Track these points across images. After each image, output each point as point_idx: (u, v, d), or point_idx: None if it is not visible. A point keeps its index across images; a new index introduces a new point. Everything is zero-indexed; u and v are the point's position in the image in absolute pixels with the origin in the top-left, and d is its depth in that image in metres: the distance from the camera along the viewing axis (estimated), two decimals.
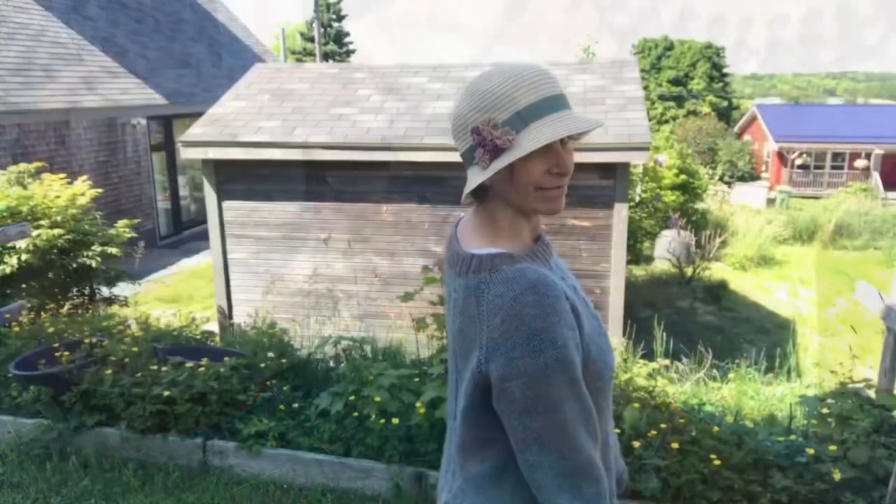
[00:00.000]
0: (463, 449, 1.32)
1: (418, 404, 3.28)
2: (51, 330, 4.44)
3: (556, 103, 1.20)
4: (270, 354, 4.04)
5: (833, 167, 29.17)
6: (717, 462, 2.99)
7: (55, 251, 5.76)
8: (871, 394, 3.38)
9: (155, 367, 3.83)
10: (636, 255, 11.38)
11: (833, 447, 3.00)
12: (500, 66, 1.24)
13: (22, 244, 5.43)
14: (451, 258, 1.32)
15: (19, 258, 5.45)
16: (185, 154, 5.64)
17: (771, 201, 23.03)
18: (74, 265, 5.84)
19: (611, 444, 1.38)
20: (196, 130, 5.67)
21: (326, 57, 32.53)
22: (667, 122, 38.88)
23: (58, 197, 6.01)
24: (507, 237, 1.27)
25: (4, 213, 5.61)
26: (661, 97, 40.54)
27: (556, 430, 1.16)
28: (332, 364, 4.37)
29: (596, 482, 1.19)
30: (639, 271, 11.01)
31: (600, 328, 1.30)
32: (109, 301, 6.42)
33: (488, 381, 1.19)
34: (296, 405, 3.75)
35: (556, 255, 1.37)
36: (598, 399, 1.26)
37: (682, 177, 12.94)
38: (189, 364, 3.78)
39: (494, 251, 1.24)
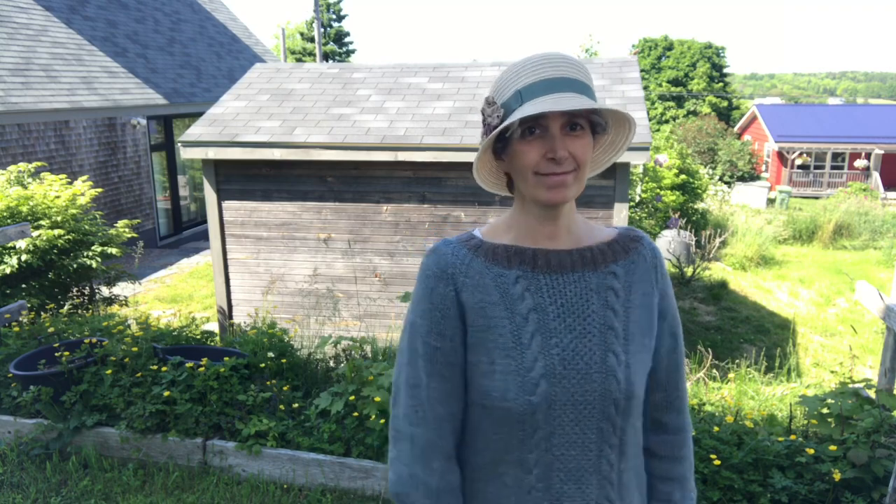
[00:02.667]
0: None
1: None
2: (51, 330, 4.44)
3: (559, 85, 1.10)
4: (270, 354, 4.04)
5: (833, 167, 29.18)
6: (717, 462, 2.99)
7: (55, 251, 5.76)
8: (871, 394, 3.38)
9: (155, 367, 3.83)
10: None
11: (833, 447, 3.00)
12: (526, 55, 1.19)
13: (22, 244, 5.43)
14: None
15: (19, 258, 5.45)
16: (185, 154, 5.64)
17: (771, 201, 23.04)
18: (74, 265, 5.84)
19: (542, 485, 1.17)
20: (196, 130, 5.67)
21: (326, 57, 32.54)
22: (667, 122, 38.90)
23: (58, 197, 6.01)
24: (503, 227, 1.24)
25: (5, 213, 5.61)
26: (661, 97, 40.55)
27: (398, 384, 1.22)
28: (332, 364, 4.37)
29: (394, 445, 1.20)
30: None
31: (519, 355, 1.14)
32: (109, 301, 6.43)
33: None
34: (296, 405, 3.75)
35: (590, 279, 1.20)
36: (487, 423, 1.16)
37: (682, 177, 12.95)
38: (189, 364, 3.78)
39: (471, 231, 1.28)
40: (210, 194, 5.82)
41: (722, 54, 41.91)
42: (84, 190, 6.33)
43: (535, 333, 1.14)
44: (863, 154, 28.58)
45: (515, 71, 1.14)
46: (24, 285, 5.68)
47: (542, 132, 1.12)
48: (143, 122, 11.53)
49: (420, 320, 1.19)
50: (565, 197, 1.15)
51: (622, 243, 1.24)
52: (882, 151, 28.04)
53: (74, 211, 6.02)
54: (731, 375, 5.44)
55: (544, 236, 1.21)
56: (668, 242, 10.81)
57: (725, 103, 40.77)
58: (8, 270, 5.42)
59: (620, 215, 5.25)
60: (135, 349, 3.94)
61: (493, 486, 1.19)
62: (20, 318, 4.60)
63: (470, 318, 1.16)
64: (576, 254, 1.20)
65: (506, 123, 1.11)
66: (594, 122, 1.16)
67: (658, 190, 12.02)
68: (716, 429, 3.22)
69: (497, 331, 1.15)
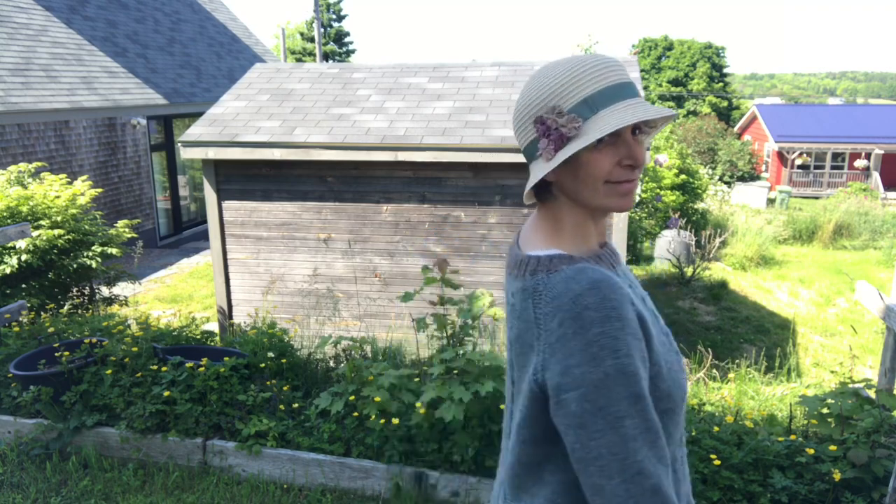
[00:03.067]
0: (515, 470, 1.20)
1: (418, 404, 3.28)
2: (51, 330, 4.44)
3: (626, 91, 1.11)
4: (270, 354, 4.04)
5: (833, 167, 29.18)
6: (717, 462, 2.99)
7: (55, 251, 5.76)
8: (871, 394, 3.38)
9: (155, 367, 3.83)
10: (636, 255, 11.38)
11: (833, 447, 3.00)
12: (565, 57, 1.16)
13: (22, 244, 5.43)
14: (511, 261, 1.23)
15: (19, 258, 5.46)
16: (185, 154, 5.64)
17: (771, 201, 23.04)
18: (74, 265, 5.84)
19: (680, 474, 1.22)
20: (196, 130, 5.67)
21: (326, 57, 32.54)
22: None
23: (58, 197, 6.02)
24: (570, 238, 1.18)
25: (4, 213, 5.61)
26: (661, 97, 40.55)
27: (617, 449, 1.01)
28: (332, 364, 4.37)
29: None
30: (639, 271, 11.01)
31: (671, 345, 1.20)
32: (109, 301, 6.43)
33: (545, 391, 1.09)
34: (296, 405, 3.75)
35: (624, 264, 1.27)
36: (667, 422, 1.14)
37: (682, 177, 12.95)
38: (189, 364, 3.78)
39: (554, 252, 1.16)
40: (210, 194, 5.83)
41: (722, 54, 41.92)
42: (84, 190, 6.33)
43: (658, 328, 1.19)
44: (863, 154, 28.59)
45: (573, 77, 1.10)
46: (24, 285, 5.68)
47: (611, 139, 1.11)
48: (143, 122, 11.53)
49: (627, 360, 1.03)
50: (633, 202, 1.16)
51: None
52: (882, 151, 28.05)
53: (74, 211, 6.02)
54: (731, 375, 5.44)
55: (597, 236, 1.22)
56: (668, 242, 10.81)
57: (725, 103, 40.79)
58: (8, 270, 5.42)
59: (620, 215, 5.26)
60: (135, 349, 3.94)
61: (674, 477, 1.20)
62: (20, 318, 4.60)
63: (645, 330, 1.12)
64: (612, 247, 1.26)
65: (602, 133, 1.06)
66: (643, 126, 1.17)
67: (658, 190, 12.03)
68: (716, 429, 3.22)
69: (653, 333, 1.14)
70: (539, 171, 1.13)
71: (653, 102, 40.11)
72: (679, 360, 1.19)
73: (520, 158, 4.76)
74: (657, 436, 1.04)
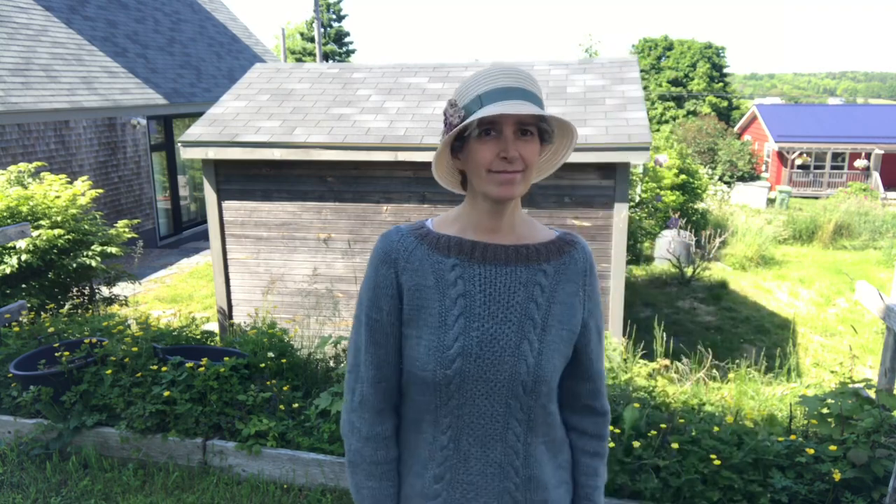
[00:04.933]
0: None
1: None
2: (51, 330, 4.44)
3: (513, 94, 1.25)
4: (270, 354, 4.04)
5: (833, 167, 29.18)
6: (717, 462, 2.99)
7: (55, 251, 5.76)
8: (871, 394, 3.38)
9: (155, 367, 3.83)
10: (636, 255, 11.38)
11: (833, 447, 3.00)
12: (490, 63, 1.35)
13: (22, 244, 5.43)
14: None
15: (19, 258, 5.45)
16: (185, 154, 5.64)
17: (771, 201, 23.04)
18: (74, 265, 5.84)
19: (468, 460, 1.35)
20: (196, 130, 5.67)
21: (326, 57, 32.53)
22: (667, 122, 38.90)
23: (58, 197, 6.01)
24: (451, 219, 1.39)
25: (5, 213, 5.61)
26: (661, 97, 40.55)
27: (349, 347, 1.44)
28: (332, 364, 4.37)
29: (345, 395, 1.44)
30: (639, 271, 11.01)
31: (441, 334, 1.30)
32: (109, 301, 6.43)
33: None
34: (296, 405, 3.75)
35: (522, 273, 1.35)
36: (413, 386, 1.36)
37: (682, 177, 12.94)
38: (189, 364, 3.78)
39: (426, 220, 1.43)
40: (210, 194, 5.82)
41: (722, 54, 41.90)
42: (84, 190, 6.33)
43: (460, 316, 1.31)
44: (863, 154, 28.59)
45: (476, 79, 1.28)
46: (24, 285, 5.68)
47: (496, 134, 1.26)
48: (143, 122, 11.53)
49: (364, 296, 1.38)
50: (513, 193, 1.29)
51: (558, 245, 1.39)
52: (882, 151, 28.04)
53: (74, 211, 6.02)
54: (731, 375, 5.44)
55: (487, 230, 1.35)
56: (668, 242, 10.81)
57: (725, 103, 40.77)
58: (8, 270, 5.42)
59: (620, 215, 5.25)
60: (135, 349, 3.94)
61: (415, 437, 1.39)
62: (20, 318, 4.60)
63: (406, 297, 1.33)
64: (511, 249, 1.35)
65: (465, 123, 1.24)
66: (542, 130, 1.31)
67: (658, 190, 12.02)
68: (716, 429, 3.21)
69: (427, 311, 1.32)
70: (437, 152, 1.34)
71: (652, 102, 40.03)
72: (439, 350, 1.30)
73: None
74: (365, 362, 1.38)
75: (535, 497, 1.38)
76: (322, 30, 31.95)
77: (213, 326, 6.61)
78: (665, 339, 5.38)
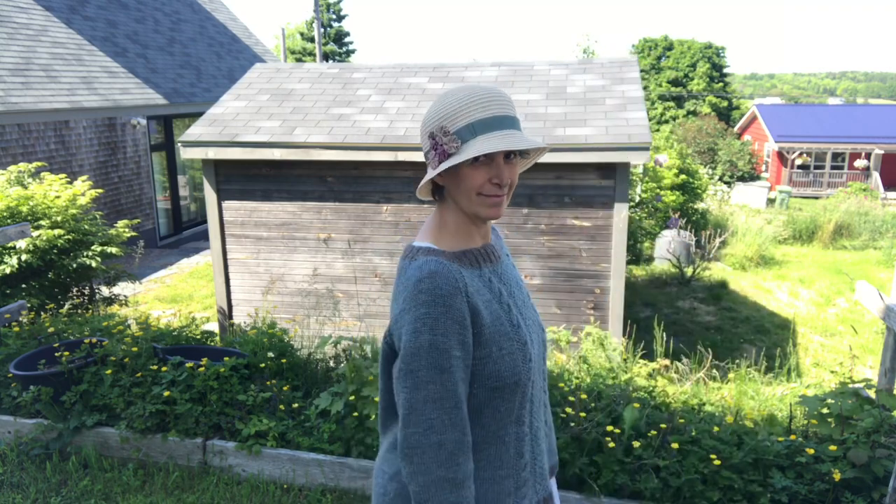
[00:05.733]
0: (380, 412, 1.54)
1: None
2: (51, 330, 4.44)
3: (505, 122, 1.35)
4: (270, 354, 4.04)
5: (833, 167, 29.18)
6: (717, 462, 2.99)
7: (55, 251, 5.76)
8: (871, 394, 3.38)
9: (155, 367, 3.83)
10: (636, 255, 11.38)
11: (833, 447, 3.00)
12: (465, 84, 1.42)
13: (22, 244, 5.43)
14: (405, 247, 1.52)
15: (19, 258, 5.45)
16: (185, 154, 5.64)
17: (771, 201, 23.04)
18: (74, 265, 5.84)
19: (529, 447, 1.49)
20: (196, 130, 5.67)
21: (326, 57, 32.54)
22: (667, 122, 38.90)
23: (58, 197, 6.01)
24: (451, 234, 1.45)
25: (5, 213, 5.61)
26: (661, 97, 40.54)
27: (416, 405, 1.30)
28: (332, 364, 4.37)
29: (411, 461, 1.31)
30: (639, 271, 11.01)
31: (518, 335, 1.41)
32: (109, 301, 6.43)
33: (394, 349, 1.41)
34: (296, 405, 3.75)
35: (504, 261, 1.53)
36: (496, 398, 1.38)
37: (682, 177, 12.94)
38: (189, 364, 3.78)
39: (425, 244, 1.43)
40: (210, 194, 5.82)
41: (722, 54, 41.90)
42: (84, 190, 6.33)
43: (518, 314, 1.45)
44: (863, 154, 28.59)
45: (464, 104, 1.35)
46: (24, 285, 5.68)
47: (486, 160, 1.35)
48: (143, 122, 11.53)
49: (442, 338, 1.30)
50: (501, 213, 1.41)
51: (496, 233, 1.59)
52: (882, 151, 28.04)
53: (74, 211, 6.02)
54: (731, 375, 5.44)
55: (479, 236, 1.48)
56: (668, 242, 10.80)
57: (725, 103, 40.77)
58: (8, 270, 5.42)
59: (620, 215, 5.25)
60: (135, 349, 3.94)
61: (496, 447, 1.42)
62: (20, 318, 4.60)
63: (477, 318, 1.36)
64: (490, 247, 1.49)
65: (471, 155, 1.31)
66: (523, 152, 1.44)
67: (658, 190, 12.02)
68: (716, 429, 3.21)
69: (500, 321, 1.40)
70: (428, 175, 1.39)
71: (652, 102, 40.05)
72: (522, 350, 1.40)
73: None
74: (455, 406, 1.30)
75: (552, 439, 1.63)
76: (322, 30, 31.96)
77: (213, 326, 6.61)
78: (665, 339, 5.38)
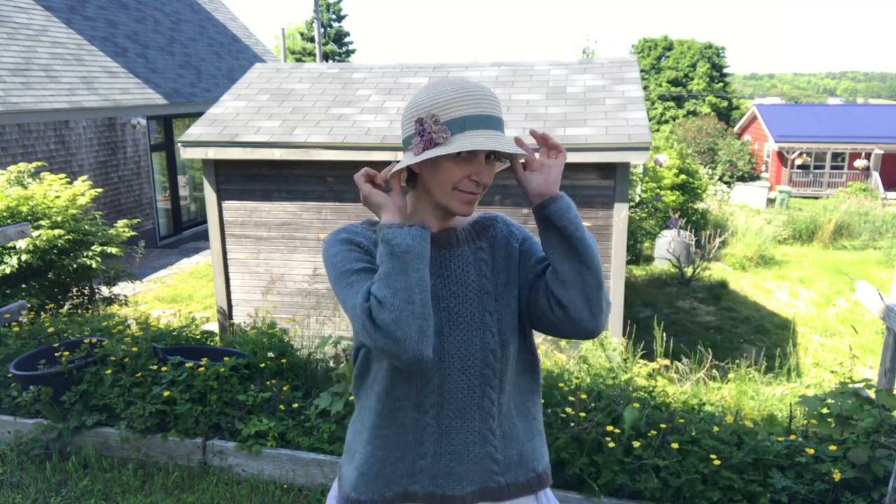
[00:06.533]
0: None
1: None
2: (51, 330, 4.44)
3: (493, 122, 1.35)
4: (270, 354, 4.04)
5: (833, 167, 29.18)
6: (717, 462, 2.99)
7: (55, 251, 5.76)
8: (871, 394, 3.38)
9: (155, 367, 3.83)
10: (636, 255, 11.38)
11: (833, 447, 3.00)
12: (454, 77, 1.40)
13: (22, 244, 5.43)
14: None
15: (19, 258, 5.45)
16: (185, 154, 5.64)
17: (771, 201, 23.03)
18: (74, 265, 5.84)
19: (451, 434, 1.47)
20: (196, 130, 5.67)
21: (326, 57, 32.54)
22: (667, 122, 38.90)
23: (58, 197, 6.01)
24: (410, 211, 1.46)
25: (4, 213, 5.61)
26: (661, 97, 40.54)
27: (341, 290, 1.36)
28: (332, 364, 4.37)
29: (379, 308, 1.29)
30: (639, 271, 11.01)
31: (447, 314, 1.44)
32: (109, 301, 6.43)
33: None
34: (296, 405, 3.75)
35: (464, 252, 1.49)
36: (394, 379, 1.42)
37: (682, 177, 12.94)
38: (189, 364, 3.78)
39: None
40: (210, 194, 5.82)
41: (722, 54, 41.89)
42: (84, 190, 6.33)
43: (436, 303, 1.43)
44: (863, 154, 28.58)
45: (457, 96, 1.34)
46: (24, 285, 5.68)
47: (469, 157, 1.36)
48: (143, 122, 11.53)
49: (340, 255, 1.39)
50: (473, 210, 1.42)
51: (482, 223, 1.55)
52: (882, 151, 28.04)
53: (74, 211, 6.02)
54: (731, 375, 5.44)
55: (439, 221, 1.48)
56: (668, 242, 10.81)
57: (725, 103, 40.77)
58: (8, 270, 5.42)
59: (620, 215, 5.25)
60: (135, 349, 3.94)
61: (393, 428, 1.46)
62: (20, 318, 4.60)
63: None
64: (453, 234, 1.49)
65: (460, 149, 1.30)
66: (498, 155, 1.43)
67: (658, 190, 12.02)
68: (716, 429, 3.21)
69: None
70: (406, 160, 1.36)
71: (652, 102, 40.08)
72: (434, 325, 1.35)
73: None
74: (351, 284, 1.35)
75: (510, 451, 1.52)
76: (322, 30, 31.96)
77: (213, 326, 6.61)
78: (665, 339, 5.38)
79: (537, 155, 1.44)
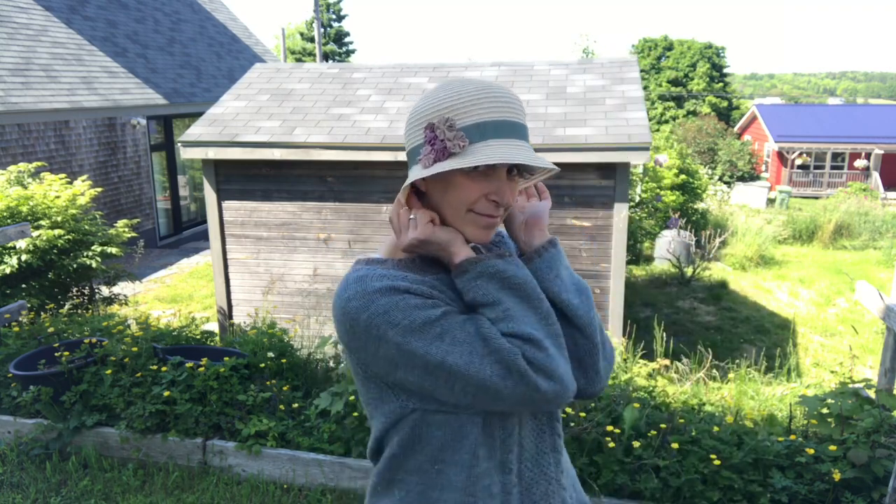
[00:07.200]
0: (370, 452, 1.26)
1: None
2: (51, 330, 4.44)
3: (518, 131, 1.11)
4: (270, 354, 4.04)
5: (833, 167, 29.18)
6: (717, 462, 2.99)
7: (55, 251, 5.76)
8: (871, 394, 3.38)
9: (155, 367, 3.83)
10: (636, 255, 11.37)
11: (833, 447, 3.00)
12: (471, 77, 1.17)
13: (22, 244, 5.43)
14: None
15: (19, 258, 5.45)
16: (185, 154, 5.64)
17: (771, 201, 23.03)
18: (74, 265, 5.84)
19: (533, 490, 1.21)
20: (196, 130, 5.67)
21: (326, 57, 32.54)
22: (667, 122, 38.90)
23: (58, 197, 6.01)
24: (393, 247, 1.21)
25: (4, 213, 5.61)
26: (661, 97, 40.54)
27: (439, 358, 1.06)
28: (332, 364, 4.37)
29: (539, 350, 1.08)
30: (639, 271, 11.01)
31: None
32: (109, 301, 6.43)
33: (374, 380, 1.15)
34: (296, 405, 3.75)
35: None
36: (461, 431, 1.13)
37: (682, 177, 12.94)
38: (189, 364, 3.78)
39: (372, 255, 1.20)
40: (210, 194, 5.82)
41: (722, 54, 41.89)
42: (84, 190, 6.33)
43: None
44: (863, 154, 28.58)
45: (476, 98, 1.10)
46: (24, 285, 5.68)
47: (487, 171, 1.11)
48: (143, 122, 11.53)
49: (399, 306, 1.08)
50: (490, 238, 1.17)
51: (494, 242, 1.34)
52: (882, 151, 28.04)
53: (74, 211, 6.02)
54: (731, 375, 5.44)
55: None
56: (668, 242, 10.80)
57: (725, 103, 40.76)
58: (8, 270, 5.42)
59: (620, 215, 5.25)
60: (135, 349, 3.94)
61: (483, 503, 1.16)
62: (20, 318, 4.60)
63: None
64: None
65: (481, 162, 1.06)
66: (522, 170, 1.21)
67: (658, 190, 12.02)
68: (716, 429, 3.21)
69: None
70: (413, 175, 1.11)
71: (652, 102, 40.03)
72: None
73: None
74: (469, 342, 1.07)
75: (576, 491, 1.33)
76: (322, 30, 31.96)
77: (213, 326, 6.61)
78: (665, 339, 5.38)
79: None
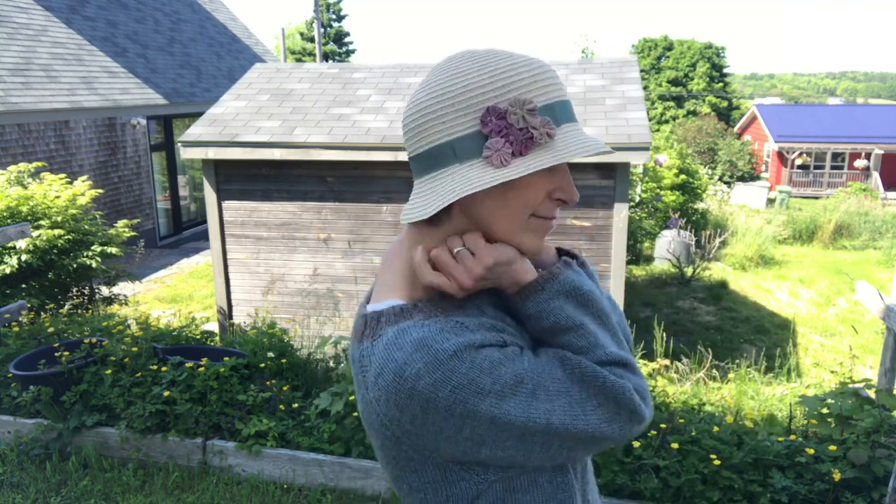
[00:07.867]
0: None
1: None
2: (51, 330, 4.44)
3: (573, 113, 0.91)
4: (270, 354, 4.04)
5: (833, 167, 29.18)
6: (717, 462, 2.99)
7: (55, 251, 5.76)
8: (871, 394, 3.38)
9: (155, 367, 3.83)
10: (636, 255, 11.37)
11: (833, 447, 3.00)
12: (498, 49, 0.92)
13: (22, 244, 5.43)
14: (356, 317, 0.98)
15: (19, 258, 5.45)
16: (185, 154, 5.64)
17: (771, 201, 23.03)
18: (74, 265, 5.84)
19: None
20: (196, 130, 5.67)
21: (326, 57, 32.54)
22: (667, 122, 38.90)
23: (58, 197, 6.02)
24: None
25: (5, 213, 5.61)
26: (661, 97, 40.55)
27: (540, 417, 0.86)
28: (332, 364, 4.37)
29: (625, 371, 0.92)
30: (639, 271, 11.01)
31: None
32: (109, 301, 6.43)
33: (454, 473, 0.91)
34: (296, 405, 3.75)
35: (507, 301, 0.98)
36: (542, 477, 0.95)
37: (682, 177, 12.94)
38: (189, 364, 3.78)
39: (392, 303, 0.92)
40: (210, 194, 5.82)
41: (722, 54, 41.90)
42: (84, 190, 6.33)
43: None
44: (863, 154, 28.58)
45: (533, 74, 0.87)
46: (24, 285, 5.68)
47: (552, 166, 0.89)
48: (143, 122, 11.53)
49: (486, 364, 0.85)
50: (542, 247, 0.97)
51: None
52: (882, 151, 28.04)
53: (74, 211, 6.02)
54: (731, 375, 5.44)
55: None
56: (668, 242, 10.81)
57: (725, 103, 40.77)
58: (8, 270, 5.42)
59: (620, 215, 5.25)
60: (135, 349, 3.94)
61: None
62: (20, 318, 4.60)
63: None
64: None
65: (576, 155, 0.84)
66: None
67: (658, 190, 12.02)
68: (716, 429, 3.22)
69: None
70: (477, 178, 0.84)
71: (652, 102, 40.09)
72: None
73: None
74: (576, 388, 0.89)
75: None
76: (322, 30, 31.96)
77: (213, 326, 6.61)
78: (665, 338, 5.38)
79: None
